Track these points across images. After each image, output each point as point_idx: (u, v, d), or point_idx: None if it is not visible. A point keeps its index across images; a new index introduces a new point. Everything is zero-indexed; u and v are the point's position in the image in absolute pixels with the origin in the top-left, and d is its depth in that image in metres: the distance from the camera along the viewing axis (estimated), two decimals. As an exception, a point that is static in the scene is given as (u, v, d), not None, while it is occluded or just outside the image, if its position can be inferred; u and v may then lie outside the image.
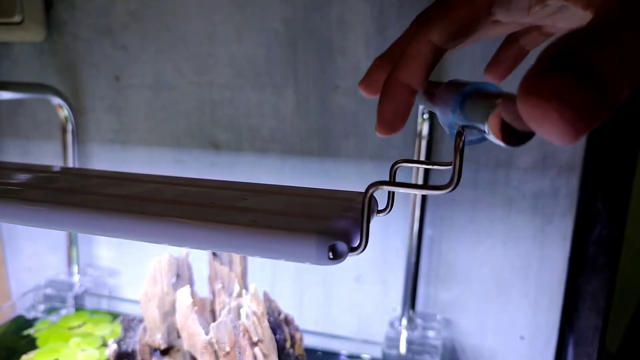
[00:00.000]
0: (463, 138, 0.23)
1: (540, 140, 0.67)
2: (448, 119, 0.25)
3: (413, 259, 0.71)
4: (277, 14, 0.73)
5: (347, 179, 0.77)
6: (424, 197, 0.70)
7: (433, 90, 0.30)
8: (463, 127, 0.23)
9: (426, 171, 0.70)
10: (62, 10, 0.84)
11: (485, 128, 0.21)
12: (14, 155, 0.94)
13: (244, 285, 0.67)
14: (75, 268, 0.91)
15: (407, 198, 0.74)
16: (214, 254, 0.68)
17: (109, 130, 0.86)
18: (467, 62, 0.67)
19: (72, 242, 0.90)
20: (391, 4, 0.68)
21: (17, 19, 0.79)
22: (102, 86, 0.85)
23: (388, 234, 0.77)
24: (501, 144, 0.21)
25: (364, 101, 0.72)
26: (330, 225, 0.24)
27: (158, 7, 0.78)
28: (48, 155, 0.90)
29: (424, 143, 0.69)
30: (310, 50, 0.73)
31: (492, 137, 0.21)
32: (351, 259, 0.78)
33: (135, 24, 0.80)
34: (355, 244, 0.25)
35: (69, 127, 0.83)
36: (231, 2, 0.75)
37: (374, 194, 0.25)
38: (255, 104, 0.77)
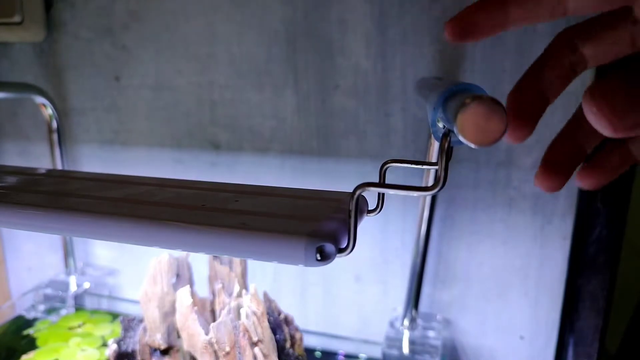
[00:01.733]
0: (449, 139, 0.23)
1: (540, 141, 0.66)
2: (431, 117, 0.26)
3: (419, 259, 0.71)
4: (277, 14, 0.73)
5: (348, 178, 0.77)
6: (433, 198, 0.70)
7: (429, 87, 0.30)
8: (449, 129, 0.23)
9: (435, 172, 0.69)
10: (62, 10, 0.84)
11: (456, 128, 0.21)
12: (13, 155, 0.94)
13: (244, 285, 0.67)
14: (72, 268, 0.91)
15: (410, 199, 0.74)
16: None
17: (109, 130, 0.87)
18: (467, 62, 0.67)
19: (69, 241, 0.90)
20: (391, 4, 0.68)
21: (17, 19, 0.79)
22: (102, 86, 0.85)
23: (388, 234, 0.76)
24: (469, 144, 0.21)
25: (365, 101, 0.72)
26: (318, 227, 0.24)
27: (158, 7, 0.78)
28: (47, 156, 0.90)
29: (436, 144, 0.68)
30: (310, 50, 0.73)
31: (461, 137, 0.21)
32: (351, 259, 0.79)
33: (136, 24, 0.80)
34: (344, 245, 0.25)
35: (54, 126, 0.83)
36: (231, 2, 0.75)
37: (366, 195, 0.25)
38: (255, 104, 0.77)
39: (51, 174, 0.40)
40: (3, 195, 0.30)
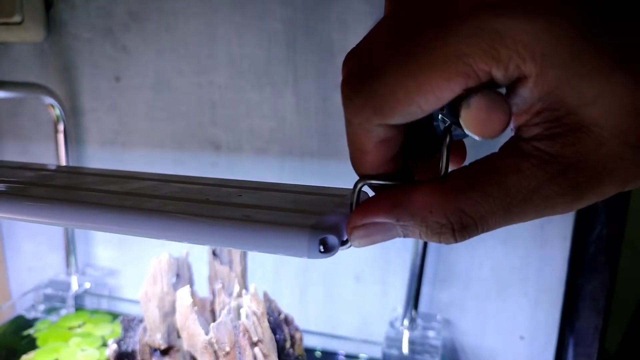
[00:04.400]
0: (450, 134, 0.23)
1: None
2: (433, 113, 0.26)
3: (418, 259, 0.71)
4: (277, 14, 0.73)
5: (347, 178, 0.76)
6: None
7: None
8: (451, 123, 0.23)
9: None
10: (62, 10, 0.84)
11: (461, 122, 0.21)
12: (14, 155, 0.94)
13: (244, 285, 0.67)
14: (73, 268, 0.91)
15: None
16: (214, 254, 0.68)
17: (109, 130, 0.87)
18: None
19: (70, 241, 0.90)
20: (391, 4, 0.68)
21: (17, 19, 0.79)
22: (102, 87, 0.85)
23: (388, 234, 0.76)
24: (474, 137, 0.21)
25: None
26: (322, 220, 0.24)
27: (158, 8, 0.79)
28: (48, 156, 0.90)
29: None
30: (310, 50, 0.73)
31: (467, 131, 0.21)
32: (351, 259, 0.79)
33: (136, 25, 0.81)
34: (346, 238, 0.25)
35: (61, 126, 0.83)
36: (231, 3, 0.75)
37: (368, 192, 0.26)
38: (255, 104, 0.77)
39: (59, 169, 0.40)
40: (12, 189, 0.30)
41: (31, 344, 0.79)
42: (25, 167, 0.38)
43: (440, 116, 0.26)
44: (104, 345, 0.79)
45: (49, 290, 0.88)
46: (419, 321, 0.75)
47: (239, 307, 0.61)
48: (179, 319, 0.61)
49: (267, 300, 0.67)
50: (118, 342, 0.65)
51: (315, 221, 0.24)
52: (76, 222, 0.27)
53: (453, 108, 0.22)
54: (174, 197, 0.28)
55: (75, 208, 0.27)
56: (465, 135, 0.23)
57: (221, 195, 0.29)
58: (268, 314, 0.63)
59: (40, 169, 0.38)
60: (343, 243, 0.24)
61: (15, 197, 0.29)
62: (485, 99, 0.20)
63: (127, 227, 0.26)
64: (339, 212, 0.26)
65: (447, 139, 0.23)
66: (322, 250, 0.23)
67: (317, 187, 0.32)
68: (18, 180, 0.33)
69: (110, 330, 0.83)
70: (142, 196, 0.28)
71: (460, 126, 0.22)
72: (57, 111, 0.81)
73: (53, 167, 0.41)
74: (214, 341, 0.56)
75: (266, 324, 0.59)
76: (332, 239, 0.23)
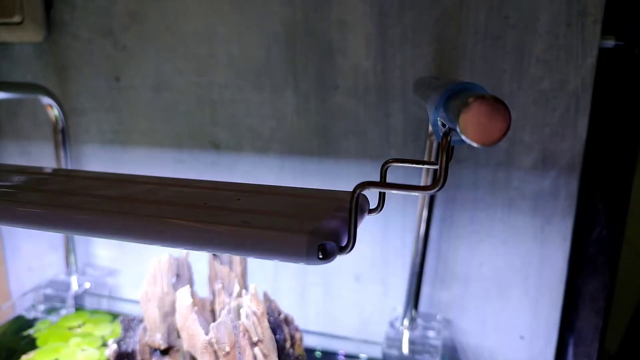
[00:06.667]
0: (449, 138, 0.23)
1: (540, 141, 0.66)
2: (432, 116, 0.25)
3: (418, 259, 0.71)
4: (277, 14, 0.73)
5: (347, 179, 0.77)
6: (431, 198, 0.70)
7: (428, 87, 0.30)
8: (450, 128, 0.23)
9: (435, 172, 0.69)
10: (62, 10, 0.84)
11: (460, 127, 0.21)
12: (13, 155, 0.94)
13: (244, 285, 0.67)
14: (73, 267, 0.91)
15: (410, 198, 0.74)
16: (214, 254, 0.68)
17: (109, 130, 0.87)
18: (467, 62, 0.67)
19: (70, 241, 0.90)
20: (391, 4, 0.68)
21: (17, 19, 0.79)
22: (102, 87, 0.85)
23: (388, 233, 0.76)
24: (471, 143, 0.21)
25: (365, 101, 0.72)
26: (320, 226, 0.24)
27: (158, 8, 0.79)
28: (48, 156, 0.90)
29: (434, 144, 0.68)
30: (310, 50, 0.73)
31: (464, 137, 0.21)
32: (351, 259, 0.79)
33: (136, 25, 0.80)
34: (345, 243, 0.25)
35: (60, 126, 0.83)
36: (231, 3, 0.75)
37: (367, 194, 0.26)
38: (255, 104, 0.77)
39: (55, 172, 0.40)
40: (7, 194, 0.30)
41: (31, 344, 0.79)
42: (22, 171, 0.37)
43: (439, 121, 0.26)
44: (104, 345, 0.79)
45: (48, 291, 0.88)
46: (419, 321, 0.75)
47: (239, 307, 0.61)
48: (179, 319, 0.61)
49: (267, 300, 0.67)
50: (118, 342, 0.65)
51: (314, 227, 0.24)
52: (73, 230, 0.27)
53: (452, 112, 0.22)
54: (171, 202, 0.28)
55: (72, 215, 0.27)
56: (464, 142, 0.23)
57: (219, 199, 0.29)
58: (268, 314, 0.63)
59: (36, 172, 0.38)
60: (342, 249, 0.24)
61: (12, 204, 0.28)
62: (486, 104, 0.20)
63: (124, 235, 0.26)
64: (337, 217, 0.26)
65: (446, 144, 0.23)
66: (321, 256, 0.23)
67: (315, 189, 0.32)
68: (14, 185, 0.33)
69: (110, 330, 0.83)
70: (139, 202, 0.28)
71: (458, 131, 0.21)
72: (55, 111, 0.81)
73: (49, 170, 0.41)
74: (214, 341, 0.56)
75: (266, 324, 0.59)
76: (331, 245, 0.23)
